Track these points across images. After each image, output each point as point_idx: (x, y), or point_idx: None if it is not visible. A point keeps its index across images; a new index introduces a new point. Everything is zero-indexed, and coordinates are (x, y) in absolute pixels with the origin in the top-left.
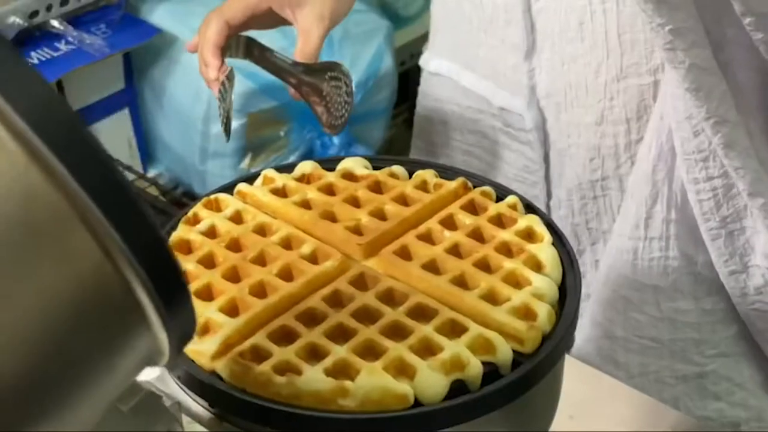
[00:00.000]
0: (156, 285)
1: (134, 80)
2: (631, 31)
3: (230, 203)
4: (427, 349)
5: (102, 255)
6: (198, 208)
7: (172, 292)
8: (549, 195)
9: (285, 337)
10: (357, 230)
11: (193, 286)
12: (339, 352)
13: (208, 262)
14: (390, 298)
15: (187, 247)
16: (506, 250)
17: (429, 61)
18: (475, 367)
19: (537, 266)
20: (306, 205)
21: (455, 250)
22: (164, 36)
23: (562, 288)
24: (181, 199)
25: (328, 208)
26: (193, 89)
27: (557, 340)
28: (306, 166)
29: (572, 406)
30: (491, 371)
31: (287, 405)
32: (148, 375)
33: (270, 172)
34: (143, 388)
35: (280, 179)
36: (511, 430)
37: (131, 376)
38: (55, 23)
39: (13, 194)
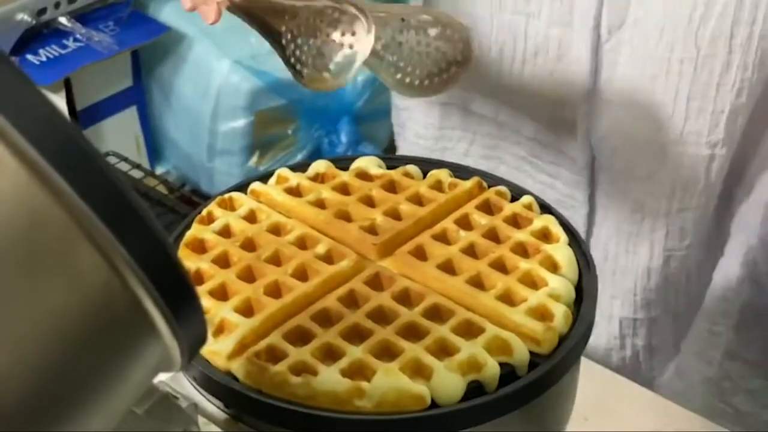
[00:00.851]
0: (165, 298)
1: (142, 78)
2: (701, 99)
3: (244, 202)
4: (443, 350)
5: (110, 271)
6: (212, 207)
7: (182, 304)
8: (589, 233)
9: (300, 337)
10: (372, 230)
11: (208, 286)
12: (355, 352)
13: (223, 261)
14: (406, 298)
15: (202, 247)
16: (522, 250)
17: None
18: (492, 368)
19: (553, 266)
20: (320, 204)
21: (471, 251)
22: (172, 34)
23: (579, 289)
24: (189, 196)
25: (343, 207)
26: (202, 87)
27: (574, 342)
28: (320, 166)
29: (587, 408)
30: (508, 372)
31: (303, 406)
32: (163, 376)
33: (284, 171)
34: (159, 390)
35: (294, 178)
36: (527, 431)
37: (143, 385)
38: (63, 21)
39: (18, 213)
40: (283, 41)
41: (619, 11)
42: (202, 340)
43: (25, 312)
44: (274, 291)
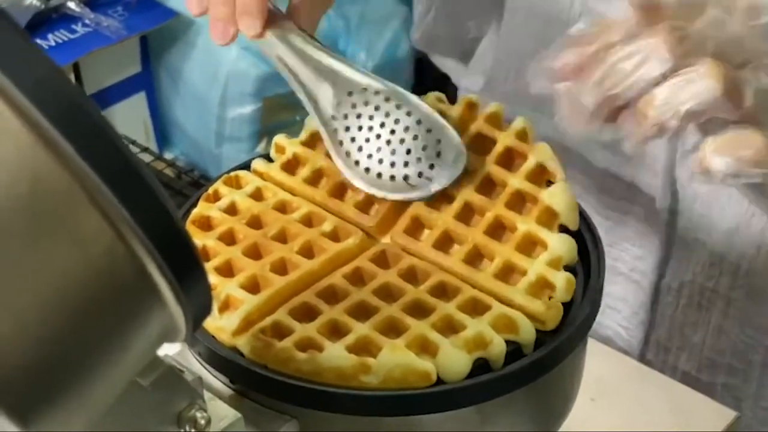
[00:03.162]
0: (170, 264)
1: (151, 63)
2: None
3: (250, 180)
4: (449, 327)
5: (114, 235)
6: (218, 185)
7: (187, 270)
8: (662, 275)
9: (306, 313)
10: (366, 205)
11: (214, 263)
12: (361, 329)
13: (229, 238)
14: (412, 276)
15: (208, 224)
16: (519, 201)
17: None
18: (498, 345)
19: (552, 217)
20: (317, 178)
21: (466, 214)
22: (181, 19)
23: (585, 257)
24: (198, 180)
25: (337, 179)
26: (210, 73)
27: (580, 321)
28: (312, 123)
29: (594, 389)
30: (514, 350)
31: (308, 381)
32: (169, 350)
33: (280, 140)
34: (164, 363)
35: (290, 147)
36: (533, 410)
37: (149, 353)
38: (72, 5)
39: (21, 176)
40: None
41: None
42: (207, 309)
43: (28, 278)
44: (280, 268)
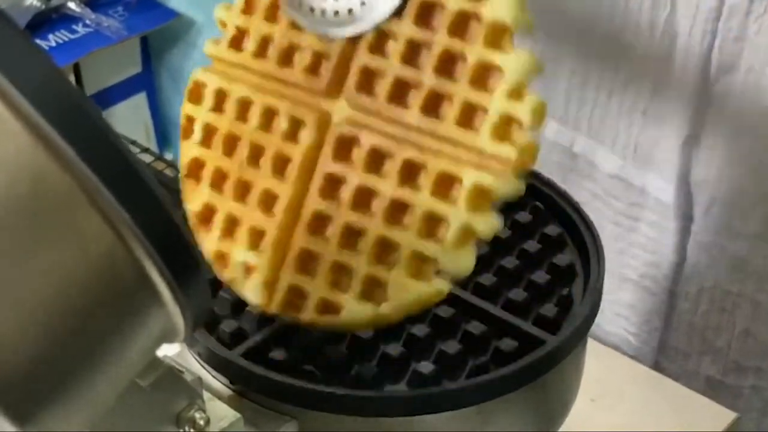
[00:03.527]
0: (169, 265)
1: (151, 64)
2: None
3: (208, 83)
4: (434, 224)
5: (114, 237)
6: (186, 108)
7: (186, 272)
8: (676, 281)
9: (309, 262)
10: (316, 66)
11: (219, 221)
12: (360, 266)
13: (219, 180)
14: (377, 161)
15: (198, 170)
16: (463, 24)
17: None
18: (485, 223)
19: (500, 33)
20: (264, 48)
21: (412, 53)
22: (182, 19)
23: (586, 262)
24: None
25: (284, 42)
26: None
27: (579, 321)
28: None
29: (594, 389)
30: (514, 350)
31: (308, 382)
32: (169, 351)
33: (219, 13)
34: (164, 364)
35: (231, 20)
36: (533, 410)
37: (148, 354)
38: (72, 5)
39: (21, 177)
40: None
41: (730, 56)
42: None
43: (28, 278)
44: (267, 202)
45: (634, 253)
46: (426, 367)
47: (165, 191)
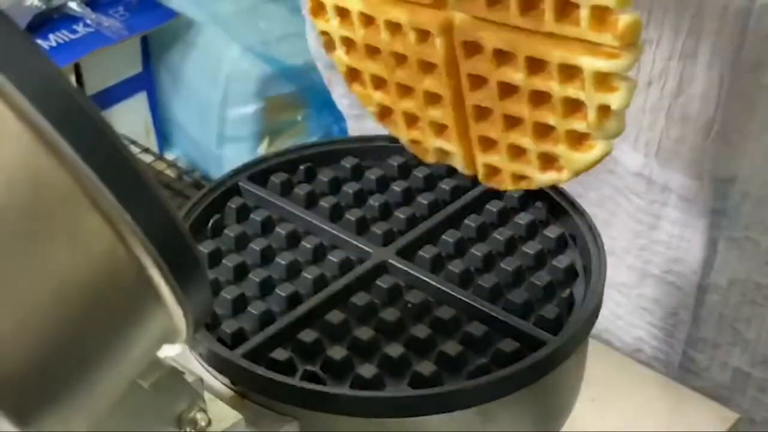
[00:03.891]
0: (170, 265)
1: (151, 64)
2: None
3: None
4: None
5: (115, 237)
6: (320, 25)
7: (187, 272)
8: (705, 274)
9: (490, 145)
10: None
11: (399, 118)
12: (532, 146)
13: (380, 84)
14: (504, 57)
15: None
16: None
17: None
18: (617, 99)
19: None
20: None
21: None
22: (182, 19)
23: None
24: (199, 181)
25: None
26: (211, 73)
27: (581, 321)
28: None
29: (595, 390)
30: (516, 350)
31: (309, 383)
32: (170, 352)
33: None
34: (165, 364)
35: None
36: (535, 411)
37: (149, 354)
38: (73, 6)
39: (21, 177)
40: None
41: (760, 52)
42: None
43: (29, 277)
44: (432, 100)
45: (656, 250)
46: (427, 367)
47: (165, 192)
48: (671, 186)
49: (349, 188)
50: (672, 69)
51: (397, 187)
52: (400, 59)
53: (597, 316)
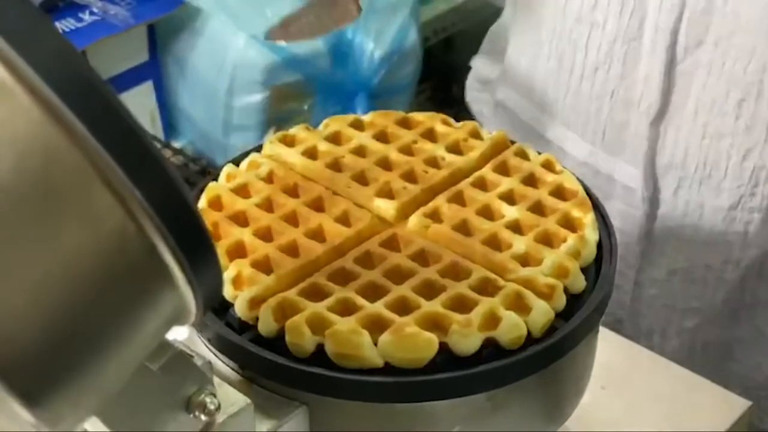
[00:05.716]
0: (180, 245)
1: (158, 52)
2: None
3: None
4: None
5: (124, 215)
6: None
7: (198, 252)
8: (640, 270)
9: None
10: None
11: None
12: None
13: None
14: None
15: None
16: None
17: (496, 88)
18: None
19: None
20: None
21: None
22: (188, 7)
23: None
24: (205, 168)
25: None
26: (218, 62)
27: (592, 307)
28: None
29: (605, 377)
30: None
31: (318, 368)
32: (178, 337)
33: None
34: (174, 347)
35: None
36: (544, 397)
37: (159, 335)
38: None
39: (33, 153)
40: None
41: (698, 29)
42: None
43: (40, 254)
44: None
45: None
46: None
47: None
48: (615, 176)
49: None
50: (616, 52)
51: None
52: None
53: (607, 304)
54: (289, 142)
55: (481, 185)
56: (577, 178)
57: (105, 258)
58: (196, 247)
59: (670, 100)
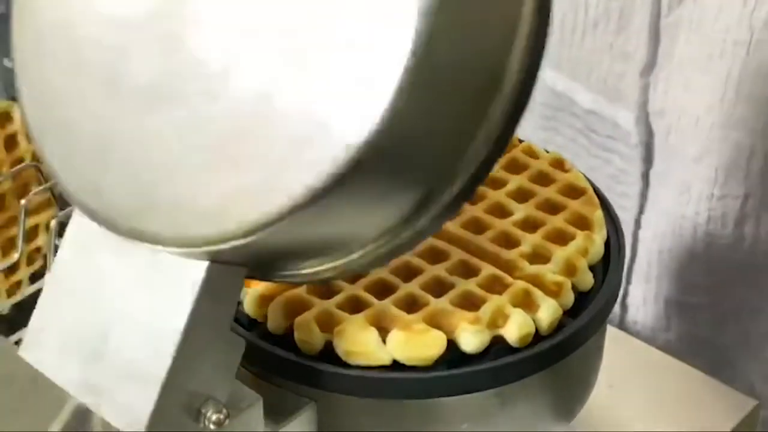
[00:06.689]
0: None
1: None
2: (750, 84)
3: None
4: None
5: None
6: None
7: None
8: (641, 210)
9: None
10: None
11: None
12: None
13: None
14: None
15: None
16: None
17: None
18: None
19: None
20: None
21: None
22: None
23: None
24: None
25: None
26: None
27: (600, 305)
28: None
29: (613, 376)
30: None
31: (327, 364)
32: None
33: None
34: None
35: None
36: (553, 395)
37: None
38: None
39: None
40: None
41: None
42: None
43: None
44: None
45: (608, 185)
46: (445, 351)
47: None
48: (619, 122)
49: None
50: (613, 8)
51: None
52: None
53: (615, 301)
54: None
55: (491, 182)
56: (586, 178)
57: None
58: None
59: (657, 52)
